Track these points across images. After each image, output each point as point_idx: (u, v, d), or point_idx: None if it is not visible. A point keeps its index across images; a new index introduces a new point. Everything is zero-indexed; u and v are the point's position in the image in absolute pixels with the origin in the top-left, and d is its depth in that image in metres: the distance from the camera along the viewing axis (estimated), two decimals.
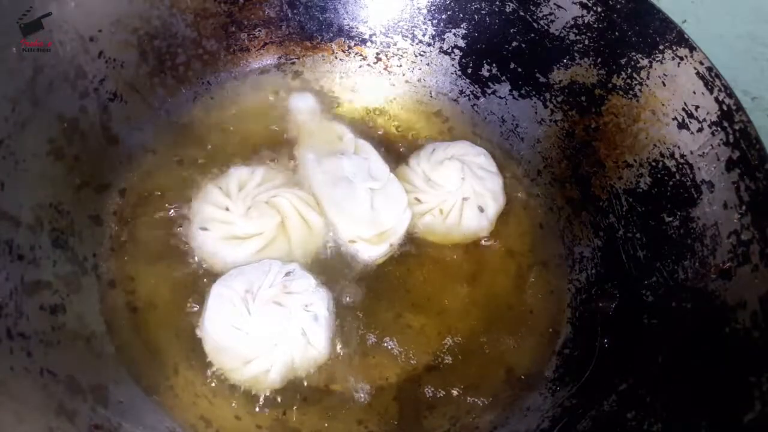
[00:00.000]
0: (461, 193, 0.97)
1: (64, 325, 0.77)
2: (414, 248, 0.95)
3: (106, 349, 0.81)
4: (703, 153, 0.81)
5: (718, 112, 0.80)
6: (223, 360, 0.81)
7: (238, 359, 0.80)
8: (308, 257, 0.91)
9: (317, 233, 0.93)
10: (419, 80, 1.14)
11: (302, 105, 1.07)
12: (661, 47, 0.87)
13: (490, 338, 0.89)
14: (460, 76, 1.12)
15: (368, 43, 1.14)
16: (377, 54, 1.14)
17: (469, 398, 0.84)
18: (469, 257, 0.96)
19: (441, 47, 1.11)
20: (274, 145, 1.01)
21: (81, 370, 0.74)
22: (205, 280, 0.87)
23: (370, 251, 0.92)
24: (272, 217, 0.90)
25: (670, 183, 0.85)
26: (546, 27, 0.99)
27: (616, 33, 0.92)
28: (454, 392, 0.84)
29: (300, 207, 0.92)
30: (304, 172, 0.98)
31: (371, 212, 0.94)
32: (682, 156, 0.84)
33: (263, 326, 0.80)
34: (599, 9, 0.92)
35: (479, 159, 1.01)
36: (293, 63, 1.13)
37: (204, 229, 0.89)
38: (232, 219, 0.90)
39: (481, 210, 0.97)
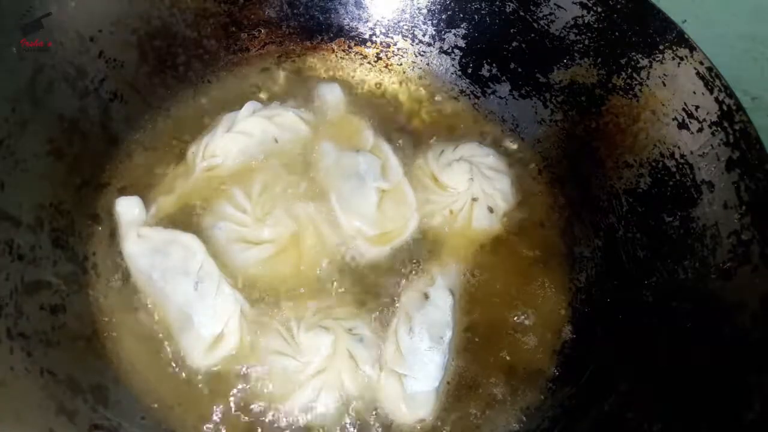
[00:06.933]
0: (470, 194, 0.97)
1: (64, 325, 0.77)
2: (423, 249, 0.94)
3: (107, 349, 0.81)
4: (703, 153, 0.81)
5: (718, 112, 0.80)
6: (270, 385, 0.80)
7: (287, 385, 0.79)
8: (316, 275, 0.89)
9: (329, 251, 0.91)
10: (420, 80, 1.14)
11: (328, 94, 1.06)
12: (661, 47, 0.87)
13: (490, 338, 0.89)
14: (460, 76, 1.12)
15: (368, 43, 1.14)
16: (377, 54, 1.14)
17: (469, 398, 0.84)
18: (469, 257, 0.96)
19: (441, 47, 1.11)
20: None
21: (81, 370, 0.75)
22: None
23: (370, 251, 0.92)
24: (287, 227, 0.89)
25: (670, 183, 0.85)
26: (546, 27, 0.99)
27: (616, 33, 0.92)
28: (455, 393, 0.84)
29: (318, 222, 0.91)
30: (318, 161, 0.97)
31: (377, 212, 0.94)
32: (682, 156, 0.84)
33: (311, 351, 0.80)
34: (599, 9, 0.92)
35: (488, 159, 1.02)
36: (294, 62, 1.13)
37: (216, 227, 0.88)
38: (247, 221, 0.89)
39: (491, 210, 0.97)
